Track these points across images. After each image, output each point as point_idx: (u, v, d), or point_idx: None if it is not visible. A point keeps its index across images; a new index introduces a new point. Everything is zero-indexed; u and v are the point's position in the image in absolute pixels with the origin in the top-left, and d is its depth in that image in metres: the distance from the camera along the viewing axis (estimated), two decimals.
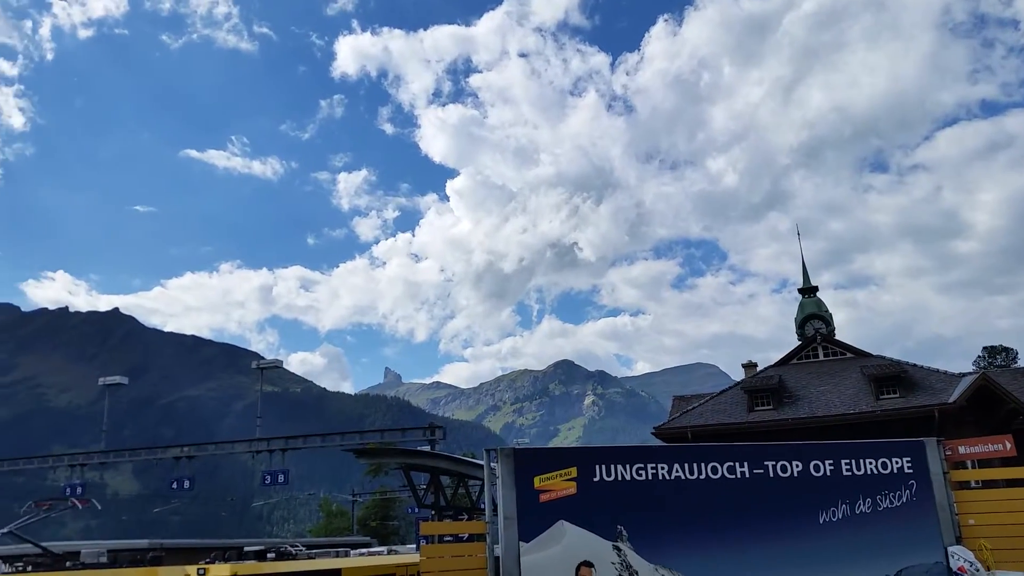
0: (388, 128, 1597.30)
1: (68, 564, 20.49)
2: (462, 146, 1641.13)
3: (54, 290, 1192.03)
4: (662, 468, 11.11)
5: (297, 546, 30.62)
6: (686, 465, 11.19)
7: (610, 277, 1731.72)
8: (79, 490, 37.76)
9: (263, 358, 37.82)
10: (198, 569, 24.91)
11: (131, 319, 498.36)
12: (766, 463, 11.45)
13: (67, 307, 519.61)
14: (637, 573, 10.43)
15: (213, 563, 25.58)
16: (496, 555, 10.56)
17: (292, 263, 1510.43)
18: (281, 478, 33.03)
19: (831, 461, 11.64)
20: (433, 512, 25.42)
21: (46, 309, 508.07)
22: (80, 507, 21.86)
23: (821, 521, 11.21)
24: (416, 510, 47.82)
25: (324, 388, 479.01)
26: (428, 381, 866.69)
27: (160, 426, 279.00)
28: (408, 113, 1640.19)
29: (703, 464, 11.26)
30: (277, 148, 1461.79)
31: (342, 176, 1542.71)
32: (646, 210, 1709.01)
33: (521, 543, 10.39)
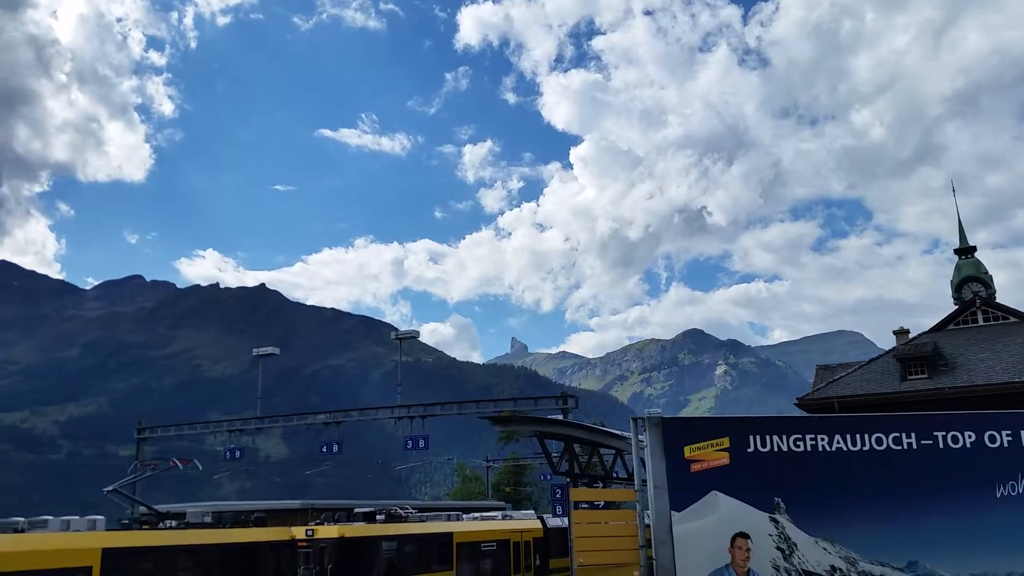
0: (511, 98, 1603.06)
1: (174, 524, 21.44)
2: (585, 112, 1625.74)
3: (205, 267, 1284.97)
4: (822, 439, 10.70)
5: (407, 508, 30.58)
6: (847, 436, 10.72)
7: (742, 242, 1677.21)
8: (238, 453, 40.27)
9: (397, 329, 39.13)
10: (307, 530, 24.85)
11: (276, 293, 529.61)
12: (935, 434, 10.80)
13: (218, 283, 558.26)
14: (796, 546, 10.13)
15: (323, 524, 26.39)
16: (647, 523, 10.53)
17: (421, 236, 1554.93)
18: (421, 443, 34.15)
19: (1009, 432, 10.82)
20: (568, 480, 25.65)
21: (199, 286, 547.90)
22: (181, 467, 23.06)
23: (998, 495, 10.51)
24: (549, 477, 48.48)
25: (454, 358, 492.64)
26: (554, 351, 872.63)
27: (306, 394, 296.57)
28: (530, 81, 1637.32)
29: (866, 435, 10.74)
30: (405, 124, 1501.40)
31: (467, 148, 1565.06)
32: (783, 169, 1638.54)
33: (672, 512, 10.30)
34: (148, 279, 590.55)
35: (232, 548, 20.87)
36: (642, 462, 10.50)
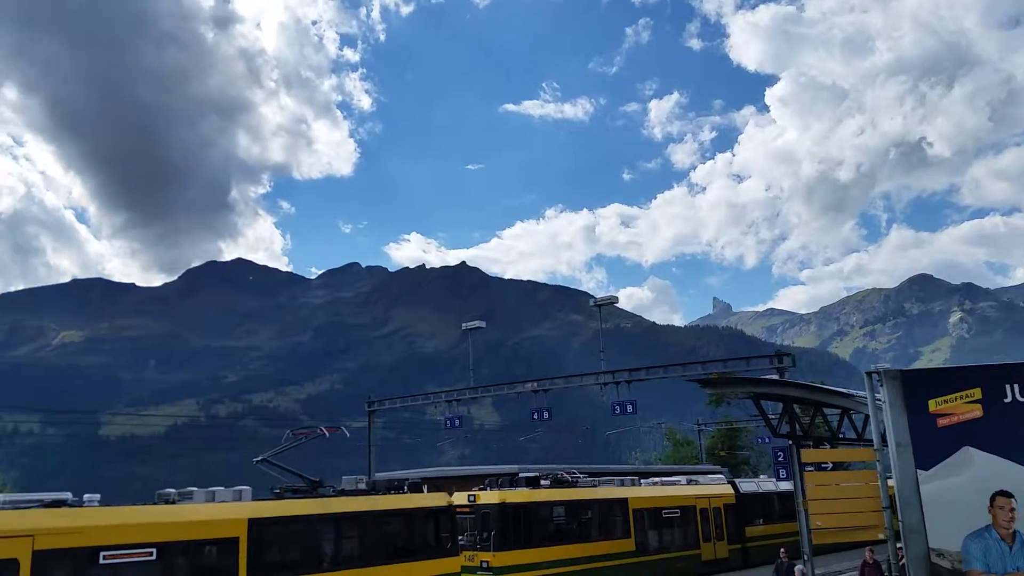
0: (695, 44, 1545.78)
1: (333, 490, 20.85)
2: (779, 48, 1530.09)
3: (411, 250, 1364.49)
4: None
5: (574, 473, 29.35)
6: None
7: (972, 172, 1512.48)
8: (456, 422, 42.06)
9: (594, 297, 38.78)
10: (469, 495, 25.03)
11: (476, 270, 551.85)
12: None
13: (424, 264, 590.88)
14: None
15: (485, 490, 25.84)
16: (889, 484, 9.66)
17: (610, 201, 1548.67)
18: (629, 408, 33.78)
19: None
20: (790, 442, 24.30)
21: (408, 268, 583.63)
22: (327, 435, 22.33)
23: None
24: (767, 440, 46.50)
25: (653, 322, 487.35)
26: (761, 309, 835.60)
27: (511, 364, 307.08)
28: (715, 24, 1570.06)
29: None
30: (586, 87, 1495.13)
31: (653, 104, 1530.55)
32: (1017, 86, 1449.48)
33: (919, 472, 9.35)
34: (364, 265, 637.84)
35: (384, 515, 20.45)
36: (880, 420, 9.62)
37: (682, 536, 30.38)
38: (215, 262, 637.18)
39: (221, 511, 17.30)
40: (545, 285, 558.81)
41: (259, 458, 21.32)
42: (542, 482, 27.32)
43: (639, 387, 34.13)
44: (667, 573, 29.07)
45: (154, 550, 15.56)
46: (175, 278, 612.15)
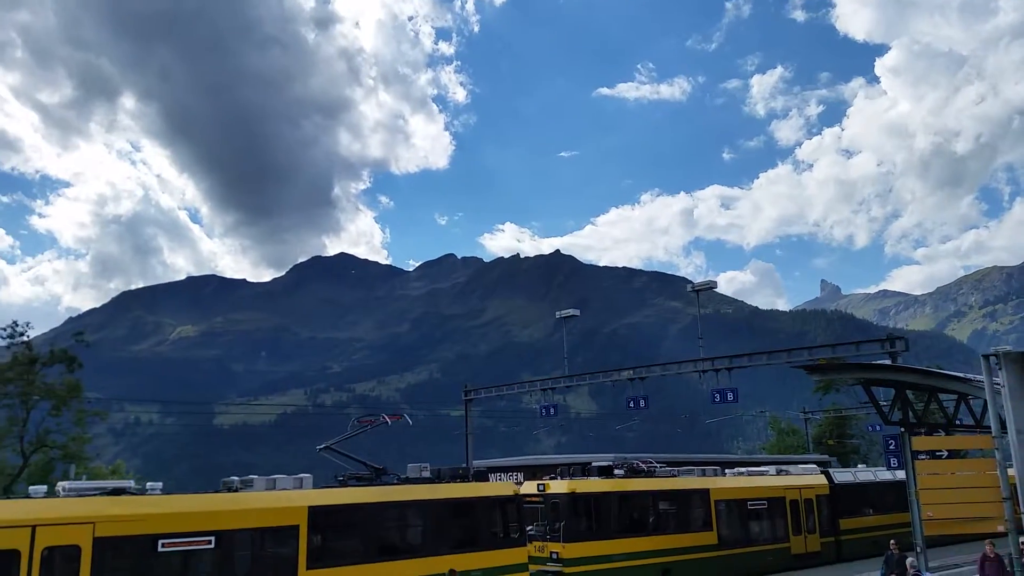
0: (799, 15, 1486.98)
1: (397, 478, 20.60)
2: (890, 15, 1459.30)
3: (505, 240, 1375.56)
4: None
5: (651, 462, 28.39)
6: None
7: None
8: (552, 411, 42.05)
9: (692, 282, 37.80)
10: (538, 484, 24.50)
11: (571, 258, 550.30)
12: None
13: (518, 254, 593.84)
14: None
15: (555, 479, 25.20)
16: (1010, 473, 8.97)
17: (709, 183, 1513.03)
18: (730, 396, 32.90)
19: None
20: (901, 430, 23.07)
21: (502, 258, 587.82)
22: (389, 423, 21.92)
23: None
24: (879, 427, 44.42)
25: (755, 307, 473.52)
26: (872, 290, 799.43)
27: (607, 352, 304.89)
28: None
29: None
30: (683, 66, 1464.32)
31: (755, 80, 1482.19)
32: None
33: None
34: (459, 256, 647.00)
35: (446, 503, 20.07)
36: (999, 405, 8.92)
37: (770, 529, 29.17)
38: (319, 257, 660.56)
39: (281, 499, 17.27)
40: (641, 271, 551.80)
41: (322, 446, 21.23)
42: (616, 471, 26.58)
43: (741, 374, 33.10)
44: (753, 567, 27.92)
45: (213, 538, 15.60)
46: (283, 273, 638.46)
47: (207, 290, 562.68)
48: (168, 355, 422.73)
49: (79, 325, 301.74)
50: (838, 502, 31.77)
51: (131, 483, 16.56)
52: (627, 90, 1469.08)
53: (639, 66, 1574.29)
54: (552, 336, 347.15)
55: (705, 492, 27.48)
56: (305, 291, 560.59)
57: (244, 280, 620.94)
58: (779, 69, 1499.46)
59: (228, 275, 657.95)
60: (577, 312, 44.87)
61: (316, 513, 17.37)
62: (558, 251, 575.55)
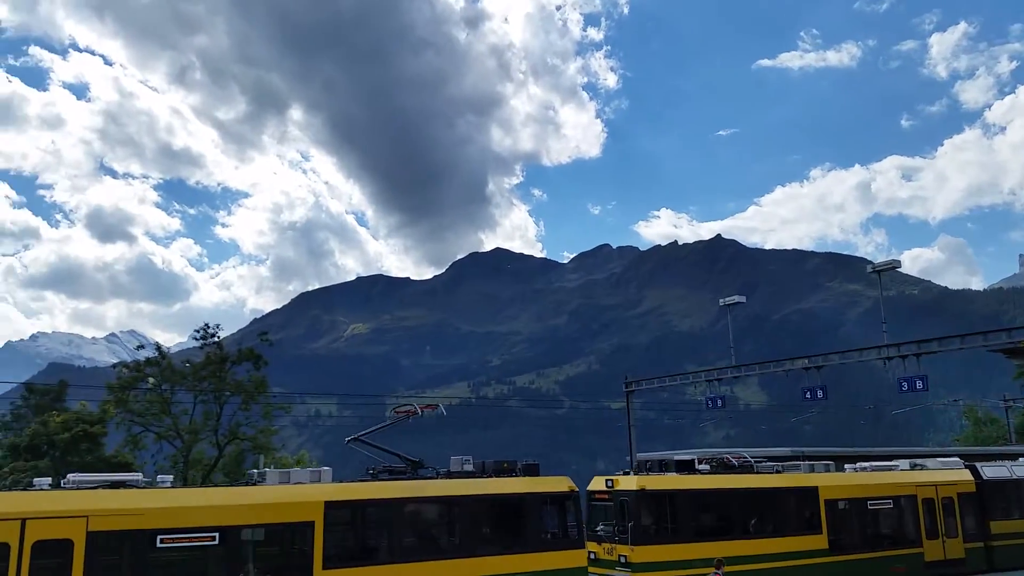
0: None
1: (437, 472, 19.37)
2: None
3: (661, 227, 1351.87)
4: None
5: (743, 457, 25.66)
6: None
7: None
8: (719, 402, 40.54)
9: (871, 262, 34.93)
10: (607, 480, 22.64)
11: (733, 242, 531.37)
12: None
13: (675, 240, 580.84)
14: None
15: (627, 474, 23.18)
16: None
17: (887, 153, 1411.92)
18: (918, 384, 30.14)
19: None
20: None
21: (659, 246, 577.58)
22: (422, 413, 20.95)
23: None
24: None
25: (945, 286, 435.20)
26: None
27: (777, 339, 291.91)
28: None
29: None
30: (851, 30, 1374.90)
31: (934, 39, 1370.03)
32: None
33: None
34: (615, 246, 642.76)
35: (486, 500, 18.70)
36: None
37: (897, 532, 25.79)
38: (477, 253, 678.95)
39: (295, 493, 16.33)
40: (813, 253, 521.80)
41: (351, 437, 20.36)
42: (700, 467, 24.18)
43: (931, 361, 30.29)
44: (875, 575, 24.70)
45: (217, 534, 14.92)
46: (443, 271, 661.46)
47: (375, 289, 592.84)
48: (343, 351, 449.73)
49: (263, 326, 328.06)
50: (988, 501, 27.55)
51: (139, 476, 16.30)
52: (790, 59, 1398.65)
53: (802, 33, 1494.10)
54: (715, 325, 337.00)
55: (812, 491, 24.50)
56: (464, 287, 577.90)
57: (408, 279, 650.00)
58: (962, 25, 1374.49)
59: (394, 274, 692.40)
60: (743, 299, 42.89)
61: (334, 508, 16.39)
62: (719, 235, 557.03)
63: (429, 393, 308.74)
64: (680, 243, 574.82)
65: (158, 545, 14.44)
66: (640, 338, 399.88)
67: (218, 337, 45.04)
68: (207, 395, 42.96)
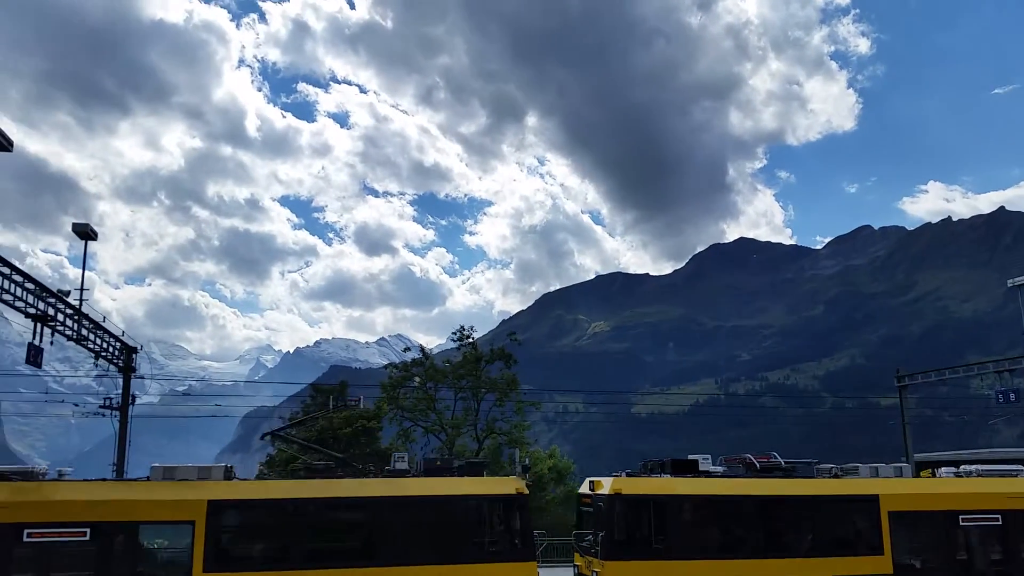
0: None
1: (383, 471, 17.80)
2: None
3: (930, 202, 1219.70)
4: None
5: (773, 457, 20.86)
6: None
7: None
8: (1011, 396, 36.41)
9: None
10: (589, 482, 19.65)
11: (1020, 215, 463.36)
12: None
13: (949, 216, 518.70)
14: None
15: (619, 476, 19.42)
16: None
17: None
18: None
19: None
20: None
21: (929, 223, 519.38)
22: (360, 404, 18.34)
23: None
24: None
25: None
26: None
27: None
28: None
29: None
30: None
31: None
32: None
33: None
34: (876, 227, 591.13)
35: (405, 503, 16.61)
36: None
37: (992, 554, 19.85)
38: (718, 244, 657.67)
39: (177, 490, 15.45)
40: None
41: (267, 431, 19.75)
42: (713, 468, 20.19)
43: None
44: None
45: (88, 530, 14.48)
46: (683, 264, 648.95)
47: (614, 287, 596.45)
48: (586, 349, 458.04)
49: (510, 326, 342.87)
50: None
51: (44, 467, 16.06)
52: None
53: None
54: (1003, 309, 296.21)
55: (871, 500, 19.25)
56: (707, 280, 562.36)
57: (647, 275, 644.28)
58: None
59: (632, 271, 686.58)
60: None
61: (219, 508, 15.34)
62: (1002, 208, 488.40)
63: (674, 390, 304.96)
64: (955, 219, 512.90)
65: (25, 539, 14.22)
66: (912, 328, 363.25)
67: (472, 338, 48.19)
68: (466, 392, 46.16)
